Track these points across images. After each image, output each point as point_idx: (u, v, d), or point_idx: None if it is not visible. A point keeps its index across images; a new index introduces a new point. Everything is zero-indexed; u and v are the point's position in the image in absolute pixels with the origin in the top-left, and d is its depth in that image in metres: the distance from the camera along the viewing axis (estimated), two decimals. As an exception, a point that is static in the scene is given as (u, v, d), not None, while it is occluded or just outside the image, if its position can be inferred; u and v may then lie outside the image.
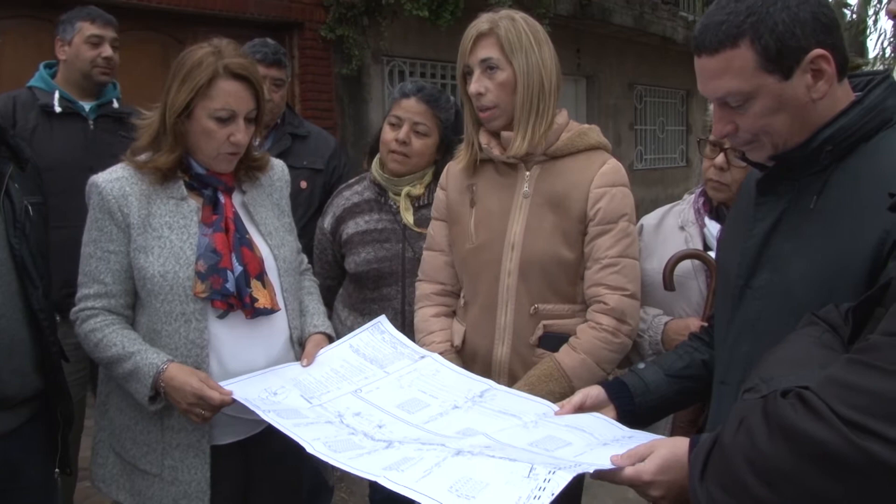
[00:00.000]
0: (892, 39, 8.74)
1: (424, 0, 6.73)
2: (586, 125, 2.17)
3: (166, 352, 1.91)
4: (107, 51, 3.03)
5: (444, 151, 2.53)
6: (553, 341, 2.06)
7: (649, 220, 2.33)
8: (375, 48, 7.14)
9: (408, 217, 2.52)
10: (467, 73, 2.08)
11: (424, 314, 2.24)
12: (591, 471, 1.31)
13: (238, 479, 2.05)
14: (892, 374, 0.91)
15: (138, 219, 1.93)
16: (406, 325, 2.36)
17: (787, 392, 1.01)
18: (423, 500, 1.30)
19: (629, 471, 1.30)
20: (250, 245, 2.00)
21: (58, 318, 2.22)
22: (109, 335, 1.93)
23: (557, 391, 1.96)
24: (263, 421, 1.76)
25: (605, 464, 1.33)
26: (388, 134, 2.52)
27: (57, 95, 3.00)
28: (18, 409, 2.00)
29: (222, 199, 2.01)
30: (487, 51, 2.03)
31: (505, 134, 2.08)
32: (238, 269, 1.95)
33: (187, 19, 5.90)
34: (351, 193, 2.66)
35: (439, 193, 2.28)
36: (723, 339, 1.54)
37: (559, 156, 2.09)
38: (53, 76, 3.09)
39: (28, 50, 5.06)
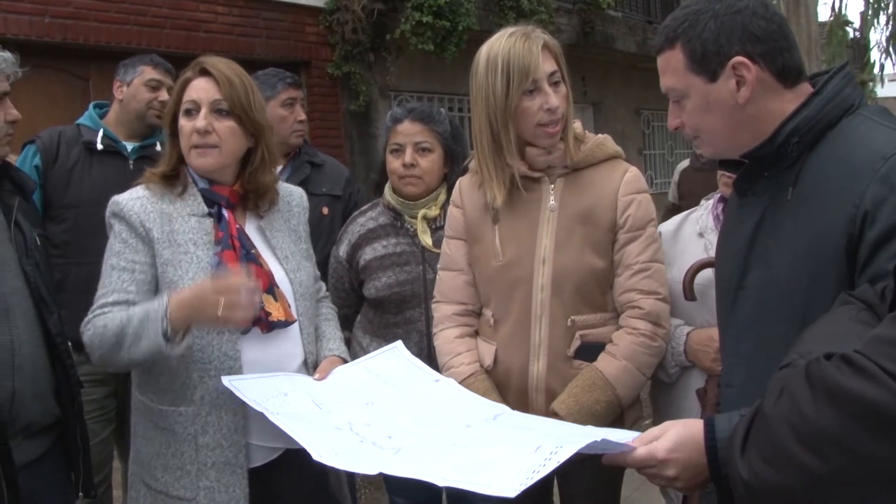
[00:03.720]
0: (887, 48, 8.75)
1: (429, 34, 6.81)
2: (600, 135, 2.18)
3: (199, 366, 1.90)
4: (163, 95, 3.12)
5: (451, 163, 2.55)
6: (589, 351, 2.03)
7: (667, 227, 2.33)
8: (382, 84, 7.21)
9: (426, 239, 2.51)
10: (529, 90, 1.96)
11: (447, 336, 2.18)
12: (599, 439, 1.28)
13: (268, 501, 2.02)
14: None
15: (161, 234, 1.93)
16: (431, 346, 2.32)
17: (830, 356, 0.97)
18: (428, 477, 1.32)
19: (642, 450, 1.28)
20: (257, 260, 1.98)
21: (78, 356, 2.21)
22: (114, 315, 1.84)
23: (603, 399, 1.97)
24: (280, 434, 1.72)
25: (616, 441, 1.31)
26: (393, 163, 2.53)
27: (101, 133, 3.09)
28: (39, 438, 2.01)
29: (226, 214, 2.00)
30: (551, 64, 2.01)
31: (530, 150, 2.06)
32: None
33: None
34: (365, 220, 2.65)
35: (454, 212, 2.23)
36: (724, 342, 1.56)
37: (581, 167, 2.09)
38: (102, 116, 3.18)
39: (39, 99, 5.14)
